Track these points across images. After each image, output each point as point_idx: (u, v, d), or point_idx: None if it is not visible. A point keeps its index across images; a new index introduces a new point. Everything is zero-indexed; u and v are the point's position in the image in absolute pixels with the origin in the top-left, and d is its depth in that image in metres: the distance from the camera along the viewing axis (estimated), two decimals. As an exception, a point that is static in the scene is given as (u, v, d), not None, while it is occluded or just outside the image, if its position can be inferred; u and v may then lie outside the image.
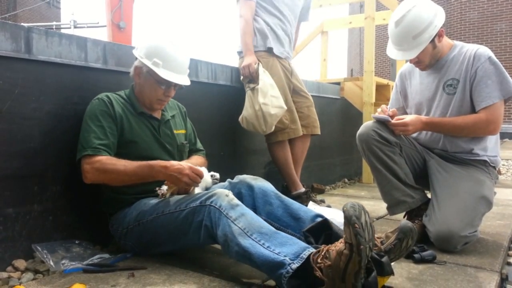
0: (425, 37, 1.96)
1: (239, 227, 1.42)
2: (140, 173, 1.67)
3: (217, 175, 1.90)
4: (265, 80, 2.60)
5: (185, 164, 1.65)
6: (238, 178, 1.83)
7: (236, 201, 1.52)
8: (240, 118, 2.68)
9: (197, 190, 1.75)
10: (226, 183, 1.87)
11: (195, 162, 1.99)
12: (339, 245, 1.26)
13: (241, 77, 2.71)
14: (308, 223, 1.60)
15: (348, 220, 1.22)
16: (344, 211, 1.25)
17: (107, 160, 1.68)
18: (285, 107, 2.64)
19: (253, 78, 2.62)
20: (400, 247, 1.38)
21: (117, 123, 1.78)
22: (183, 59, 1.90)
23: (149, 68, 1.80)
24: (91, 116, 1.75)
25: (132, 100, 1.89)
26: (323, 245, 1.33)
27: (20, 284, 1.44)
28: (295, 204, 1.69)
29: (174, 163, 1.65)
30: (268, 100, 2.56)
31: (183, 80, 1.88)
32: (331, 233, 1.51)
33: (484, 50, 2.00)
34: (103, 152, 1.69)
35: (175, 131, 1.99)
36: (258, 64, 2.63)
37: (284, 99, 2.72)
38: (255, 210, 1.70)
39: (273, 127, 2.64)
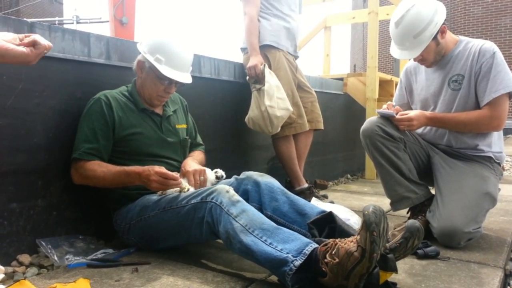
0: (427, 35, 1.95)
1: (241, 224, 1.42)
2: (118, 179, 1.71)
3: (221, 172, 1.90)
4: (271, 82, 2.60)
5: (152, 169, 1.63)
6: (245, 174, 1.83)
7: (236, 197, 1.52)
8: (246, 119, 2.69)
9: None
10: (232, 179, 1.87)
11: (197, 158, 2.00)
12: (350, 244, 1.25)
13: (247, 77, 2.71)
14: None
15: (367, 225, 1.20)
16: (364, 215, 1.22)
17: (89, 166, 1.71)
18: (291, 109, 2.66)
19: (259, 79, 2.62)
20: (405, 246, 1.37)
21: (114, 124, 1.78)
22: (187, 57, 1.89)
23: (151, 63, 1.80)
24: (85, 117, 1.77)
25: (134, 96, 1.89)
26: (331, 240, 1.33)
27: (24, 279, 1.45)
28: (301, 200, 1.69)
29: (145, 169, 1.65)
30: (274, 102, 2.56)
31: (185, 78, 1.87)
32: (335, 226, 1.51)
33: (490, 46, 1.99)
34: (89, 157, 1.72)
35: (177, 126, 1.99)
36: (264, 65, 2.63)
37: (290, 93, 2.74)
38: (261, 206, 1.70)
39: (279, 128, 2.65)
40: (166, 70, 1.80)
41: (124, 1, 6.18)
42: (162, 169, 1.64)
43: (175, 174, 1.66)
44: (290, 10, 2.86)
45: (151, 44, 1.83)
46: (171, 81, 1.85)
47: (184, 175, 1.78)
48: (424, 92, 2.19)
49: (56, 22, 14.73)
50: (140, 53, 1.87)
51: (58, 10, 19.61)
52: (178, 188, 1.69)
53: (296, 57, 2.95)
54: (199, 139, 2.19)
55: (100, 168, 1.71)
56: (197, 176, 1.76)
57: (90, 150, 1.72)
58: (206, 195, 1.57)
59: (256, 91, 2.64)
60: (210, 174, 1.88)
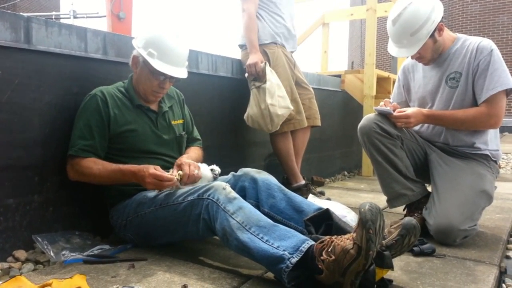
0: (424, 33, 1.95)
1: (237, 221, 1.42)
2: (114, 177, 1.72)
3: (217, 170, 1.89)
4: (272, 80, 2.60)
5: (147, 171, 1.63)
6: (242, 171, 1.83)
7: (233, 194, 1.52)
8: (245, 116, 2.68)
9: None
10: (229, 176, 1.86)
11: (193, 156, 1.99)
12: (346, 241, 1.25)
13: (246, 74, 2.70)
14: None
15: (363, 223, 1.20)
16: (360, 213, 1.22)
17: (84, 163, 1.71)
18: (291, 108, 2.66)
19: (259, 77, 2.61)
20: (401, 244, 1.37)
21: (109, 121, 1.77)
22: (181, 51, 1.85)
23: (144, 58, 1.79)
24: (81, 113, 1.76)
25: (130, 92, 1.87)
26: (328, 237, 1.33)
27: (20, 275, 1.44)
28: (298, 197, 1.70)
29: (140, 170, 1.65)
30: (275, 101, 2.57)
31: (178, 72, 1.84)
32: (331, 223, 1.52)
33: (487, 43, 1.99)
34: (85, 154, 1.72)
35: (173, 122, 1.98)
36: (265, 63, 2.62)
37: (289, 90, 2.74)
38: (258, 202, 1.70)
39: (278, 126, 2.65)
40: (158, 64, 1.78)
41: (122, -4, 6.16)
42: (157, 171, 1.63)
43: (170, 175, 1.65)
44: (287, 5, 2.85)
45: (144, 38, 1.81)
46: (165, 76, 1.82)
47: (179, 166, 1.75)
48: (421, 90, 2.19)
49: (53, 17, 14.66)
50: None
51: (55, 4, 19.50)
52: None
53: (292, 52, 2.94)
54: (196, 133, 2.18)
55: (96, 165, 1.71)
56: (192, 167, 1.74)
57: (86, 147, 1.72)
58: (202, 192, 1.56)
59: (256, 88, 2.63)
60: (207, 171, 1.87)
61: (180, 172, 1.70)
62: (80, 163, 1.71)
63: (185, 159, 1.84)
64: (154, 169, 1.64)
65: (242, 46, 2.82)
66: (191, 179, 1.71)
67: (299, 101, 2.82)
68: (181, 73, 1.86)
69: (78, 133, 1.73)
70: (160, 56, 1.78)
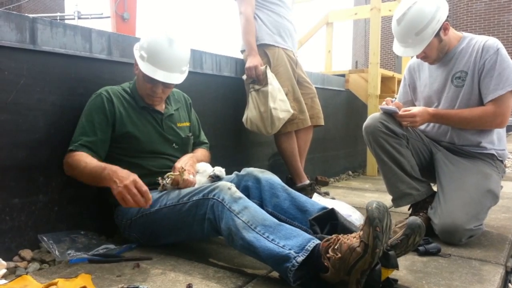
0: (429, 32, 1.94)
1: (243, 221, 1.42)
2: (95, 174, 1.60)
3: (218, 172, 1.86)
4: (274, 84, 2.59)
5: (125, 181, 1.53)
6: (246, 170, 1.83)
7: (238, 193, 1.52)
8: (244, 119, 2.67)
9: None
10: (233, 175, 1.86)
11: (199, 155, 1.99)
12: (352, 239, 1.25)
13: (244, 77, 2.69)
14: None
15: (370, 221, 1.20)
16: (368, 211, 1.22)
17: (76, 156, 1.66)
18: (292, 111, 2.66)
19: (259, 80, 2.60)
20: (406, 243, 1.36)
21: (114, 120, 1.77)
22: (175, 55, 1.77)
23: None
24: (86, 111, 1.76)
25: (135, 93, 1.88)
26: (334, 235, 1.32)
27: (26, 274, 1.45)
28: (302, 197, 1.69)
29: (116, 174, 1.55)
30: (277, 104, 2.56)
31: (168, 77, 1.76)
32: (336, 223, 1.51)
33: (493, 42, 1.98)
34: (84, 149, 1.69)
35: (179, 124, 1.98)
36: (266, 66, 2.61)
37: (291, 89, 2.73)
38: (261, 202, 1.70)
39: (277, 129, 2.64)
40: (146, 67, 1.75)
41: (126, -3, 6.19)
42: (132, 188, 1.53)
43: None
44: (284, 4, 2.83)
45: (142, 41, 1.80)
46: (153, 81, 1.77)
47: (174, 169, 1.77)
48: (427, 89, 2.18)
49: (58, 18, 14.74)
50: None
51: (59, 5, 19.59)
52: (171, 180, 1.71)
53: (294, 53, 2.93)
54: (203, 137, 2.17)
55: (85, 159, 1.64)
56: (186, 172, 1.74)
57: (87, 143, 1.71)
58: (207, 192, 1.56)
59: (255, 91, 2.62)
60: (208, 169, 1.88)
61: (171, 176, 1.71)
62: (72, 156, 1.67)
63: (183, 162, 1.83)
64: (134, 184, 1.53)
65: (243, 52, 2.80)
66: (185, 184, 1.71)
67: (301, 100, 2.80)
68: (172, 78, 1.78)
69: (80, 130, 1.73)
70: (150, 60, 1.75)
